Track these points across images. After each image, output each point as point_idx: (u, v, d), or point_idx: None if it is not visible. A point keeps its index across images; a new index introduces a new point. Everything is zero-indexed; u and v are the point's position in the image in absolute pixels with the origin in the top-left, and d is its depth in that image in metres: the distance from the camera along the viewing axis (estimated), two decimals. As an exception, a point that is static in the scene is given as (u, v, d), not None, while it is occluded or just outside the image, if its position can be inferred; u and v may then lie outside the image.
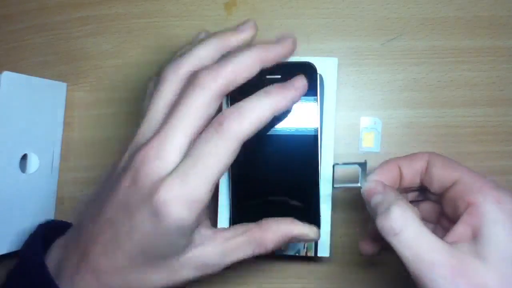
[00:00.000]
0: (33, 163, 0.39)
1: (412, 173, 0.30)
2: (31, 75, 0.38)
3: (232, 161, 0.26)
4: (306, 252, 0.36)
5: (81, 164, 0.42)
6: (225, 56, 0.27)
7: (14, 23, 0.43)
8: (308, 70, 0.35)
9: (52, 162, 0.41)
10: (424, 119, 0.39)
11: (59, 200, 0.42)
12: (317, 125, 0.35)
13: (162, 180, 0.24)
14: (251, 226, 0.28)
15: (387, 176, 0.30)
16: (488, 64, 0.39)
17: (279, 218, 0.29)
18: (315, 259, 0.39)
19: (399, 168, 0.30)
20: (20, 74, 0.36)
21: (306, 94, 0.35)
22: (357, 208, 0.39)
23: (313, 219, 0.35)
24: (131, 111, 0.42)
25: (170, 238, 0.25)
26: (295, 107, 0.35)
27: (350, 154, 0.39)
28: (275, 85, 0.27)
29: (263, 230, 0.28)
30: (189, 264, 0.26)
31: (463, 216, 0.25)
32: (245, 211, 0.35)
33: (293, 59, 0.35)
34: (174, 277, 0.26)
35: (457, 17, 0.39)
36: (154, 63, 0.42)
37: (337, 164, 0.31)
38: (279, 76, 0.35)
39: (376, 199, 0.28)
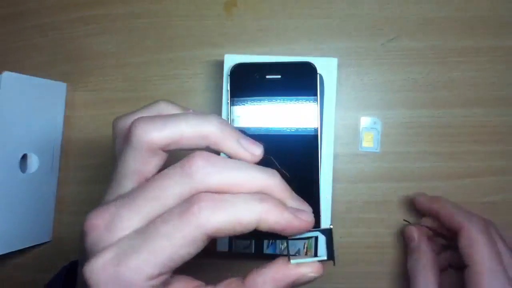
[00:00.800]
0: (33, 163, 0.39)
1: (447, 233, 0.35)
2: (31, 75, 0.38)
3: (191, 255, 0.20)
4: (306, 252, 0.36)
5: (81, 164, 0.42)
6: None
7: (14, 23, 0.43)
8: (308, 70, 0.35)
9: (52, 162, 0.41)
10: (424, 119, 0.39)
11: (59, 200, 0.42)
12: (317, 125, 0.35)
13: (100, 252, 0.20)
14: (235, 284, 0.24)
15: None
16: (488, 64, 0.39)
17: (267, 265, 0.24)
18: (315, 259, 0.39)
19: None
20: (20, 74, 0.36)
21: (306, 94, 0.35)
22: (357, 209, 0.39)
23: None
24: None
25: None
26: (294, 107, 0.35)
27: (349, 154, 0.39)
28: (274, 199, 0.22)
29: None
30: None
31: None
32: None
33: (293, 59, 0.36)
34: None
35: (457, 17, 0.39)
36: (154, 63, 0.42)
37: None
38: (279, 76, 0.35)
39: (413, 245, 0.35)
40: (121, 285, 0.20)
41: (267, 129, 0.35)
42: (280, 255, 0.36)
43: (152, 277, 0.20)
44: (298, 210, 0.22)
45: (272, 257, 0.39)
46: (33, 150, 0.39)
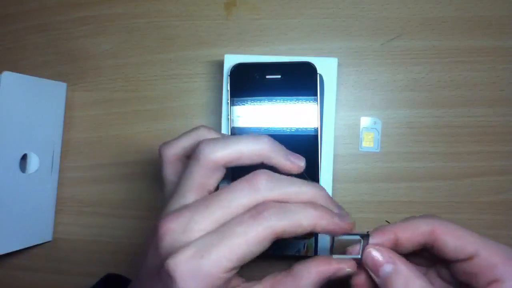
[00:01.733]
0: (33, 163, 0.39)
1: (413, 244, 0.27)
2: (31, 75, 0.38)
3: (259, 253, 0.24)
4: (306, 252, 0.36)
5: (81, 164, 0.42)
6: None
7: (14, 23, 0.43)
8: (308, 70, 0.35)
9: (52, 162, 0.41)
10: (424, 119, 0.39)
11: (59, 200, 0.42)
12: (317, 125, 0.35)
13: (180, 248, 0.23)
14: (280, 276, 0.27)
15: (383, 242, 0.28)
16: (488, 64, 0.39)
17: (310, 259, 0.27)
18: (315, 259, 0.39)
19: (396, 236, 0.27)
20: (20, 74, 0.36)
21: (306, 94, 0.35)
22: (357, 209, 0.39)
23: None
24: (131, 111, 0.42)
25: None
26: (294, 107, 0.35)
27: (350, 154, 0.39)
28: (324, 207, 0.26)
29: (295, 277, 0.26)
30: None
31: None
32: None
33: (293, 59, 0.36)
34: None
35: (457, 17, 0.39)
36: (154, 63, 0.42)
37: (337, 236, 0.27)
38: (279, 76, 0.35)
39: (386, 269, 0.26)
40: (201, 276, 0.23)
41: (267, 129, 0.35)
42: (281, 255, 0.36)
43: (228, 270, 0.23)
44: (342, 215, 0.26)
45: (276, 258, 0.39)
46: (33, 150, 0.39)
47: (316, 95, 0.35)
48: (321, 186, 0.26)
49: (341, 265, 0.27)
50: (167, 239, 0.24)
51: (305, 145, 0.35)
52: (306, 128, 0.35)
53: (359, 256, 0.27)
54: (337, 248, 0.28)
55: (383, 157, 0.39)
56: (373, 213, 0.39)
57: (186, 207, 0.25)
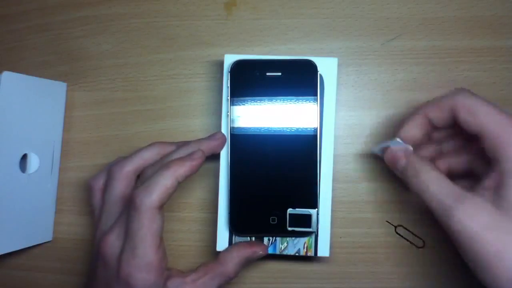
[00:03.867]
0: (33, 163, 0.39)
1: (443, 119, 0.30)
2: (31, 75, 0.38)
3: (161, 223, 0.31)
4: (306, 252, 0.36)
5: (81, 164, 0.42)
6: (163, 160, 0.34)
7: (14, 23, 0.43)
8: (308, 68, 0.35)
9: (52, 162, 0.41)
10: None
11: (59, 200, 0.42)
12: (317, 125, 0.35)
13: (120, 259, 0.30)
14: (211, 264, 0.34)
15: (419, 127, 0.31)
16: (488, 64, 0.39)
17: (233, 246, 0.35)
18: (315, 259, 0.39)
19: (428, 118, 0.31)
20: (20, 74, 0.37)
21: (306, 93, 0.35)
22: (357, 209, 0.39)
23: (313, 219, 0.35)
24: (131, 111, 0.42)
25: None
26: (294, 107, 0.35)
27: (350, 154, 0.39)
28: (175, 159, 0.33)
29: (222, 263, 0.33)
30: None
31: (489, 171, 0.27)
32: (245, 212, 0.35)
33: (293, 57, 0.36)
34: None
35: (457, 17, 0.39)
36: (154, 63, 0.42)
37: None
38: (280, 74, 0.35)
39: (401, 163, 0.31)
40: (147, 268, 0.30)
41: (267, 128, 0.35)
42: (281, 255, 0.36)
43: (157, 250, 0.31)
44: (191, 153, 0.33)
45: (272, 257, 0.39)
46: (33, 150, 0.39)
47: (316, 94, 0.35)
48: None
49: (255, 249, 0.34)
50: (108, 253, 0.31)
51: (305, 145, 0.35)
52: (306, 128, 0.35)
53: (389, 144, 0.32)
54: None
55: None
56: (373, 213, 0.39)
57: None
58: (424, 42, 0.39)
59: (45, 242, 0.41)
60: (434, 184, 0.28)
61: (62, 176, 0.42)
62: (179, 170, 0.31)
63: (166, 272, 0.32)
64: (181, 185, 0.40)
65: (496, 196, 0.26)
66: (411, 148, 0.31)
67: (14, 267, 0.42)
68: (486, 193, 0.27)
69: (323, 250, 0.36)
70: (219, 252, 0.35)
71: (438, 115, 0.30)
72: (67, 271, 0.42)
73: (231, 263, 0.33)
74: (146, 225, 0.30)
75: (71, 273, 0.41)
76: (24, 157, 0.38)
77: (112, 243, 0.31)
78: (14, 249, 0.37)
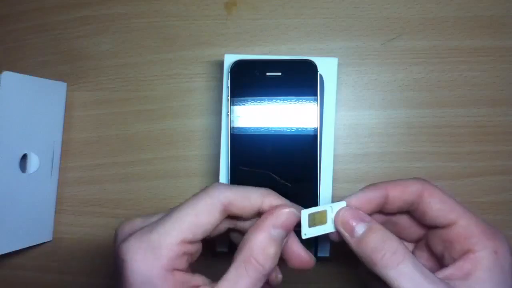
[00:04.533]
0: (33, 163, 0.39)
1: (400, 204, 0.27)
2: (31, 75, 0.38)
3: (211, 225, 0.25)
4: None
5: (81, 164, 0.42)
6: None
7: (14, 23, 0.43)
8: (308, 68, 0.35)
9: (52, 162, 0.41)
10: (424, 119, 0.39)
11: (59, 200, 0.42)
12: (317, 125, 0.35)
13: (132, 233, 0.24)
14: (240, 262, 0.25)
15: (370, 203, 0.27)
16: (488, 64, 0.39)
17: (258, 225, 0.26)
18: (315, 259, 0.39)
19: (386, 196, 0.27)
20: (20, 74, 0.36)
21: (306, 93, 0.35)
22: (357, 208, 0.39)
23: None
24: (131, 111, 0.42)
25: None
26: (294, 106, 0.35)
27: (350, 154, 0.39)
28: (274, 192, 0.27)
29: (255, 257, 0.25)
30: None
31: (459, 261, 0.25)
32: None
33: (294, 57, 0.36)
34: None
35: (457, 17, 0.39)
36: (154, 63, 0.42)
37: (305, 210, 0.28)
38: (280, 73, 0.35)
39: (361, 228, 0.26)
40: (151, 248, 0.23)
41: (267, 128, 0.35)
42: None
43: (178, 241, 0.23)
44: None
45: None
46: (33, 150, 0.39)
47: (316, 94, 0.35)
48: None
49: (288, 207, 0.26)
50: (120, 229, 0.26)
51: (305, 145, 0.35)
52: (306, 128, 0.35)
53: (332, 227, 0.27)
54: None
55: (383, 157, 0.39)
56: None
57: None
58: (424, 42, 0.39)
59: (45, 242, 0.41)
60: (408, 280, 0.23)
61: (62, 176, 0.42)
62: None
63: None
64: (181, 185, 0.41)
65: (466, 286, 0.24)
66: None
67: (14, 267, 0.42)
68: (456, 284, 0.24)
69: (323, 250, 0.36)
70: (218, 252, 0.34)
71: (400, 196, 0.27)
72: (67, 271, 0.42)
73: (265, 254, 0.25)
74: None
75: (71, 273, 0.41)
76: (24, 157, 0.38)
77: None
78: (14, 249, 0.37)
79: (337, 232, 0.27)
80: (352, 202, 0.27)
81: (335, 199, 0.37)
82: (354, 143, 0.39)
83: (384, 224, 0.26)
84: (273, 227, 0.25)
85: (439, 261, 0.28)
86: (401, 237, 0.29)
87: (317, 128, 0.35)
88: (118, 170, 0.41)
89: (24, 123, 0.37)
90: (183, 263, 0.24)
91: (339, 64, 0.36)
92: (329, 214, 0.27)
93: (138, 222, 0.25)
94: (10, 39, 0.43)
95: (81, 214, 0.42)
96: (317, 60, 0.35)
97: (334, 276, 0.39)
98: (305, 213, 0.27)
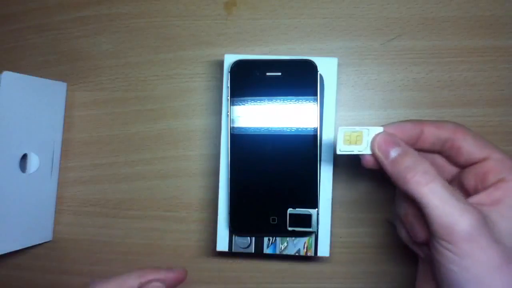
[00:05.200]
0: (33, 163, 0.39)
1: (434, 140, 0.29)
2: (31, 75, 0.38)
3: None
4: (306, 252, 0.36)
5: (81, 164, 0.42)
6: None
7: (14, 23, 0.43)
8: (308, 68, 0.35)
9: (52, 162, 0.41)
10: (424, 119, 0.39)
11: (59, 200, 0.42)
12: (317, 125, 0.35)
13: None
14: None
15: (405, 133, 0.28)
16: (488, 64, 0.39)
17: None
18: (315, 259, 0.39)
19: (421, 130, 0.29)
20: (20, 74, 0.37)
21: (306, 92, 0.35)
22: (357, 209, 0.39)
23: (313, 219, 0.35)
24: (131, 111, 0.42)
25: None
26: (294, 106, 0.35)
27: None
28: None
29: None
30: None
31: (490, 188, 0.26)
32: (245, 212, 0.35)
33: (293, 57, 0.36)
34: None
35: (457, 17, 0.39)
36: (154, 63, 0.42)
37: (342, 127, 0.29)
38: (280, 73, 0.35)
39: (394, 152, 0.27)
40: None
41: (267, 128, 0.35)
42: (281, 255, 0.36)
43: None
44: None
45: (272, 257, 0.39)
46: (33, 150, 0.39)
47: (316, 94, 0.35)
48: None
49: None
50: None
51: (305, 145, 0.35)
52: (306, 128, 0.35)
53: (367, 149, 0.28)
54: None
55: (383, 157, 0.39)
56: (373, 213, 0.39)
57: None
58: (424, 42, 0.39)
59: (45, 242, 0.41)
60: (437, 197, 0.24)
61: (62, 176, 0.42)
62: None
63: None
64: (181, 185, 0.41)
65: (496, 215, 0.25)
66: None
67: (14, 267, 0.42)
68: (484, 209, 0.25)
69: (323, 250, 0.36)
70: (218, 251, 0.35)
71: (435, 131, 0.29)
72: (67, 271, 0.42)
73: None
74: None
75: (71, 273, 0.41)
76: (24, 157, 0.38)
77: None
78: (14, 249, 0.37)
79: (370, 156, 0.29)
80: (389, 129, 0.28)
81: (335, 199, 0.37)
82: (354, 143, 0.39)
83: None
84: None
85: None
86: None
87: (317, 128, 0.35)
88: (118, 170, 0.41)
89: (24, 123, 0.38)
90: None
91: (339, 64, 0.36)
92: (365, 136, 0.28)
93: None
94: (10, 39, 0.43)
95: (81, 214, 0.42)
96: (317, 60, 0.35)
97: (334, 276, 0.39)
98: (342, 130, 0.28)
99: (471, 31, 0.39)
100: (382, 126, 0.28)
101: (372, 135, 0.28)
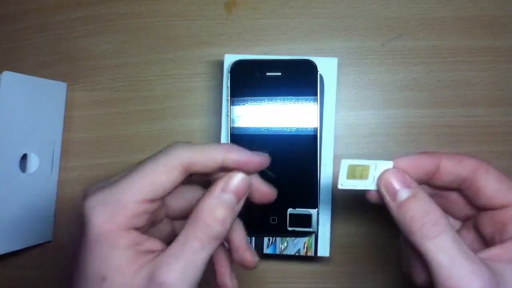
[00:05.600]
0: (33, 163, 0.39)
1: (451, 178, 0.25)
2: (31, 75, 0.38)
3: (171, 184, 0.24)
4: (306, 252, 0.36)
5: (81, 164, 0.42)
6: None
7: (14, 23, 0.43)
8: (308, 68, 0.35)
9: (52, 162, 0.41)
10: (424, 119, 0.39)
11: (59, 200, 0.42)
12: (317, 125, 0.35)
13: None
14: (191, 226, 0.24)
15: (418, 169, 0.25)
16: (488, 64, 0.39)
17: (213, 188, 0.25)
18: (315, 259, 0.39)
19: (438, 166, 0.25)
20: (20, 74, 0.36)
21: (306, 92, 0.35)
22: (357, 208, 0.39)
23: (313, 219, 0.35)
24: (131, 111, 0.42)
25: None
26: (294, 106, 0.35)
27: (350, 154, 0.39)
28: (237, 147, 0.26)
29: (204, 219, 0.24)
30: None
31: (508, 241, 0.24)
32: (244, 212, 0.35)
33: (293, 57, 0.36)
34: None
35: (457, 17, 0.39)
36: (154, 63, 0.42)
37: (346, 160, 0.26)
38: (280, 73, 0.35)
39: (404, 194, 0.24)
40: (112, 205, 0.23)
41: (267, 128, 0.35)
42: (281, 255, 0.36)
43: (139, 200, 0.23)
44: (256, 153, 0.26)
45: (272, 257, 0.39)
46: (33, 150, 0.39)
47: (316, 94, 0.35)
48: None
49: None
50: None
51: (305, 145, 0.35)
52: (306, 128, 0.35)
53: (373, 185, 0.25)
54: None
55: (383, 157, 0.39)
56: (373, 213, 0.39)
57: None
58: (424, 42, 0.39)
59: (45, 242, 0.41)
60: (444, 254, 0.22)
61: (62, 176, 0.42)
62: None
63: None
64: (181, 185, 0.41)
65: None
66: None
67: (14, 267, 0.42)
68: (499, 266, 0.22)
69: (323, 250, 0.36)
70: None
71: (453, 168, 0.25)
72: (67, 271, 0.42)
73: (213, 216, 0.24)
74: None
75: (71, 273, 0.41)
76: (24, 157, 0.38)
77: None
78: (14, 249, 0.37)
79: (377, 192, 0.26)
80: (400, 164, 0.25)
81: (335, 199, 0.37)
82: (354, 143, 0.39)
83: (431, 196, 0.24)
84: (223, 191, 0.25)
85: (487, 244, 0.26)
86: (448, 213, 0.28)
87: (317, 128, 0.35)
88: (118, 170, 0.41)
89: (24, 123, 0.37)
90: (142, 221, 0.24)
91: (339, 64, 0.36)
92: (371, 170, 0.25)
93: (103, 182, 0.25)
94: (10, 39, 0.43)
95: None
96: (317, 60, 0.35)
97: (334, 276, 0.39)
98: (345, 163, 0.25)
99: (471, 31, 0.39)
100: (392, 160, 0.25)
101: (380, 170, 0.25)
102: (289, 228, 0.35)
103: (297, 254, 0.36)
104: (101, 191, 0.23)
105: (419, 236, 0.23)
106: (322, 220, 0.36)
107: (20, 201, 0.37)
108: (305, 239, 0.36)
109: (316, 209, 0.35)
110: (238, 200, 0.25)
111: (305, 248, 0.36)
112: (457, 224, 0.28)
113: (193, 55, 0.41)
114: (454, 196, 0.27)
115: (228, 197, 0.25)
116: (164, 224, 0.28)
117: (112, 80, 0.42)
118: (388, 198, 0.25)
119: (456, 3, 0.39)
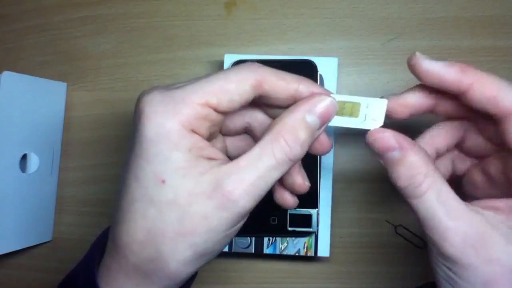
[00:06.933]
0: (33, 163, 0.39)
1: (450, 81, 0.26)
2: (31, 75, 0.38)
3: (240, 97, 0.22)
4: (306, 252, 0.36)
5: (81, 164, 0.42)
6: None
7: (14, 23, 0.43)
8: (308, 68, 0.35)
9: (52, 162, 0.41)
10: (424, 119, 0.39)
11: (59, 200, 0.42)
12: (317, 125, 0.35)
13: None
14: (264, 141, 0.22)
15: (420, 99, 0.27)
16: (488, 64, 0.39)
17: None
18: (315, 259, 0.39)
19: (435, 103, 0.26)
20: (20, 74, 0.36)
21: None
22: (357, 209, 0.39)
23: (313, 219, 0.35)
24: (131, 111, 0.41)
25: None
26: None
27: (350, 154, 0.39)
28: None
29: (279, 136, 0.22)
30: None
31: None
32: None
33: (293, 57, 0.36)
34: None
35: (457, 17, 0.39)
36: (154, 63, 0.42)
37: (334, 94, 0.24)
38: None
39: (392, 155, 0.24)
40: (172, 102, 0.21)
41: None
42: (281, 255, 0.36)
43: (203, 102, 0.21)
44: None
45: (272, 257, 0.39)
46: (33, 150, 0.39)
47: (316, 95, 0.35)
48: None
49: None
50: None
51: (305, 145, 0.35)
52: (306, 128, 0.35)
53: (363, 124, 0.24)
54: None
55: (383, 157, 0.39)
56: (373, 213, 0.39)
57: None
58: (424, 42, 0.39)
59: (45, 242, 0.41)
60: (429, 210, 0.23)
61: (62, 176, 0.42)
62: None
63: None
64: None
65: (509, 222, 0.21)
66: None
67: (14, 267, 0.42)
68: (491, 212, 0.22)
69: (323, 250, 0.36)
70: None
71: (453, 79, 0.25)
72: (67, 271, 0.42)
73: (295, 136, 0.23)
74: None
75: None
76: (24, 157, 0.38)
77: None
78: (14, 249, 0.38)
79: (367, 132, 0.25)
80: (395, 103, 0.25)
81: (335, 199, 0.37)
82: (354, 143, 0.39)
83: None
84: (309, 113, 0.23)
85: (498, 188, 0.25)
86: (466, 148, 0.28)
87: (317, 128, 0.35)
88: (118, 170, 0.41)
89: (24, 123, 0.38)
90: (202, 128, 0.22)
91: (339, 64, 0.36)
92: (363, 108, 0.24)
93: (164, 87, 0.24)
94: (10, 39, 0.43)
95: (81, 214, 0.42)
96: (317, 60, 0.35)
97: (334, 276, 0.39)
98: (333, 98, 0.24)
99: (471, 31, 0.39)
100: (388, 97, 0.24)
101: (372, 108, 0.24)
102: (289, 228, 0.35)
103: (297, 254, 0.36)
104: (164, 89, 0.22)
105: (405, 195, 0.23)
106: (322, 220, 0.36)
107: (20, 201, 0.37)
108: (305, 239, 0.36)
109: (316, 209, 0.35)
110: (321, 125, 0.24)
111: (305, 248, 0.36)
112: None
113: (193, 55, 0.41)
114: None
115: (313, 120, 0.23)
116: (218, 141, 0.26)
117: (112, 80, 0.42)
118: (376, 153, 0.25)
119: (456, 3, 0.39)
